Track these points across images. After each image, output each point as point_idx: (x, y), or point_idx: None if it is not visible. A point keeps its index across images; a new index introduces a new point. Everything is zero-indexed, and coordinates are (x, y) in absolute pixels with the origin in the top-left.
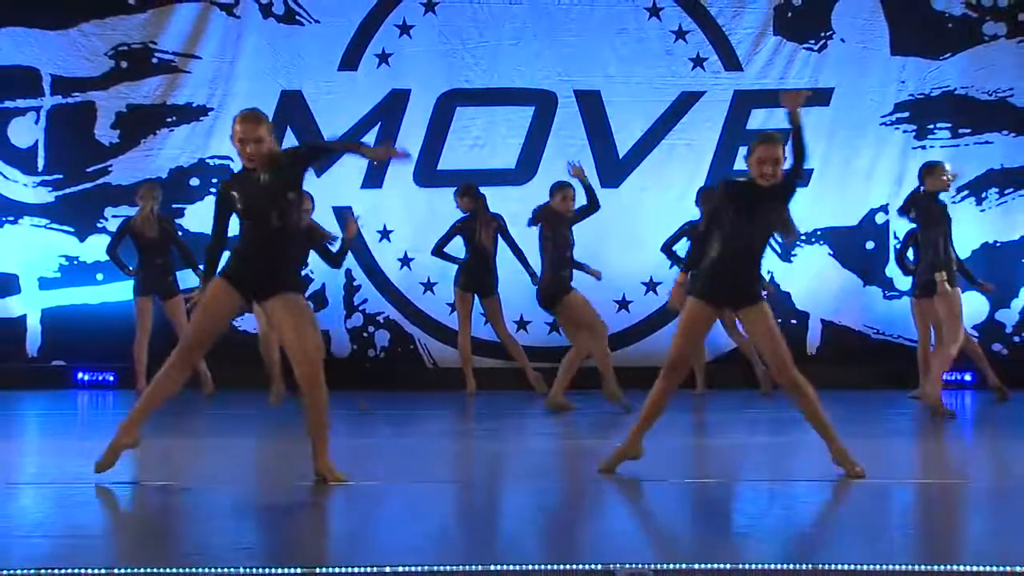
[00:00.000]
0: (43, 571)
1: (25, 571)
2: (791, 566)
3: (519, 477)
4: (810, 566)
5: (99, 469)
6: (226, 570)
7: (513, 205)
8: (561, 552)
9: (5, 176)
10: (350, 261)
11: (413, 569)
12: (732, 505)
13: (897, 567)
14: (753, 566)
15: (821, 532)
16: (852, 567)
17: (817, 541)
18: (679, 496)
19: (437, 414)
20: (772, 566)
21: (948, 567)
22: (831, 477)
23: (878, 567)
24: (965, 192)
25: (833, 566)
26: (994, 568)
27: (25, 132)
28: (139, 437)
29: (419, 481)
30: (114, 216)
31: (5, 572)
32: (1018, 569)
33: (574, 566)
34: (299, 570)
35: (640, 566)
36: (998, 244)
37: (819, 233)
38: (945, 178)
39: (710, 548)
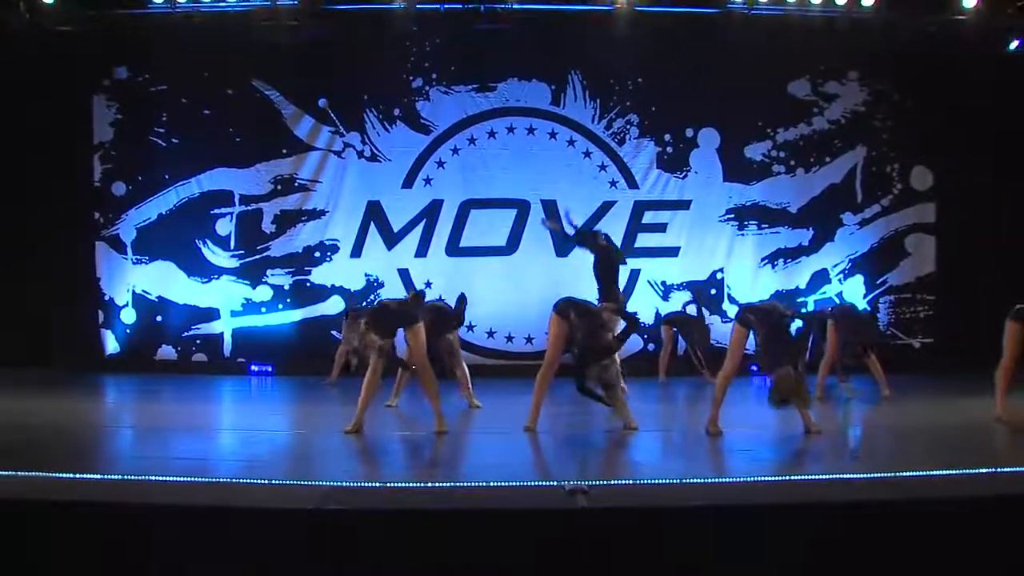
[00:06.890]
0: (234, 481)
1: (223, 480)
2: (688, 481)
3: (508, 430)
4: (693, 480)
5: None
6: (341, 484)
7: (503, 268)
8: (526, 474)
9: (213, 251)
10: None
11: (425, 485)
12: (647, 444)
13: (767, 479)
14: (654, 482)
15: (713, 458)
16: (737, 480)
17: (709, 465)
18: (614, 439)
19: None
20: (674, 481)
21: (787, 478)
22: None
23: (755, 480)
24: (766, 261)
25: (723, 480)
26: (815, 477)
27: (224, 227)
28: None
29: (478, 431)
30: (272, 274)
31: (207, 481)
32: (815, 477)
33: (534, 483)
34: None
35: (579, 483)
36: (784, 291)
37: (684, 284)
38: None
39: (629, 471)
